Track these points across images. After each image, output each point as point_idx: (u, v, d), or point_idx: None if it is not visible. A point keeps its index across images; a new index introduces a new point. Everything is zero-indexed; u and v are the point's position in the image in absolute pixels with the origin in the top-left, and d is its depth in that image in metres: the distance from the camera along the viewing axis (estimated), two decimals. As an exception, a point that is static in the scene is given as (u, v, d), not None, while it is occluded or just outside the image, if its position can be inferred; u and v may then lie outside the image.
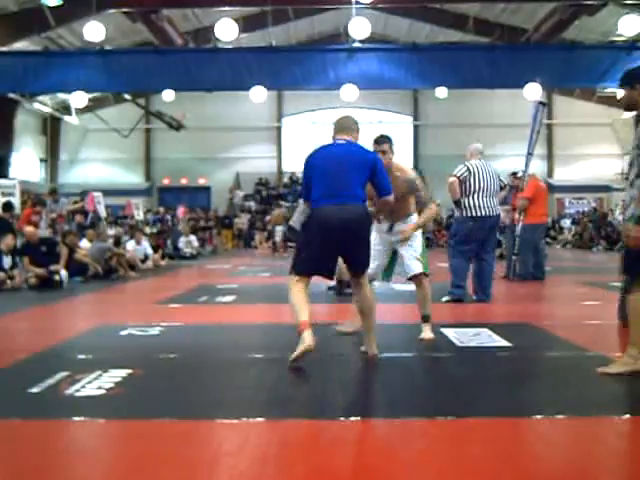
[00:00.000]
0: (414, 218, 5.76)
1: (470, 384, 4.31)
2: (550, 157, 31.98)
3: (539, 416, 3.54)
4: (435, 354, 5.18)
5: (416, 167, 31.88)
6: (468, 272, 8.60)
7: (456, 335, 5.82)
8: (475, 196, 8.25)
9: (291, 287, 4.79)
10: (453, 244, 8.87)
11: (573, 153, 31.46)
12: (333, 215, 4.73)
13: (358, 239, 4.80)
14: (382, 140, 5.83)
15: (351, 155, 4.97)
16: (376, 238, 5.71)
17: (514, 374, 4.63)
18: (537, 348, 5.52)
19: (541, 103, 12.47)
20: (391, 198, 5.02)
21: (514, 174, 12.24)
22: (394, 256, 6.03)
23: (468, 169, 8.33)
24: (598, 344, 5.60)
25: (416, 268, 5.71)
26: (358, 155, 4.97)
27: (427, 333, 5.71)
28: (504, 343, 5.48)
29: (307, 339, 4.51)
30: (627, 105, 4.94)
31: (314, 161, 5.06)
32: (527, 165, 11.62)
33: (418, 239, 5.79)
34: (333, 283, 8.99)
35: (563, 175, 31.60)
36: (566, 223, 29.54)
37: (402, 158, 31.49)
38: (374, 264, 5.49)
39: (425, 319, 5.75)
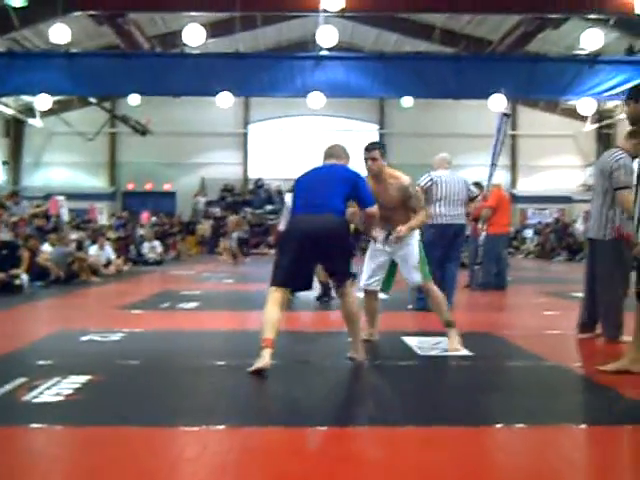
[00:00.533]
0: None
1: (431, 393, 4.34)
2: (514, 168, 32.28)
3: (499, 425, 3.58)
4: (396, 362, 5.20)
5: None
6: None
7: (418, 344, 5.86)
8: (437, 204, 8.31)
9: (267, 297, 4.84)
10: None
11: (536, 164, 31.80)
12: (306, 224, 4.87)
13: (331, 248, 4.84)
14: (372, 147, 5.83)
15: (333, 172, 5.11)
16: (373, 254, 5.80)
17: (475, 383, 4.67)
18: (498, 357, 5.57)
19: (505, 114, 12.65)
20: (374, 209, 5.08)
21: (477, 184, 12.39)
22: (393, 268, 5.98)
23: (432, 179, 8.39)
24: (558, 354, 5.67)
25: (416, 278, 5.68)
26: (339, 172, 5.10)
27: (452, 343, 5.54)
28: (465, 352, 5.52)
29: (265, 358, 4.56)
30: (633, 119, 5.25)
31: (300, 179, 5.25)
32: (491, 175, 11.77)
33: (414, 247, 5.69)
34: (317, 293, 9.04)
35: (526, 186, 31.92)
36: (529, 233, 29.82)
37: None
38: (373, 279, 5.81)
39: (447, 325, 5.63)
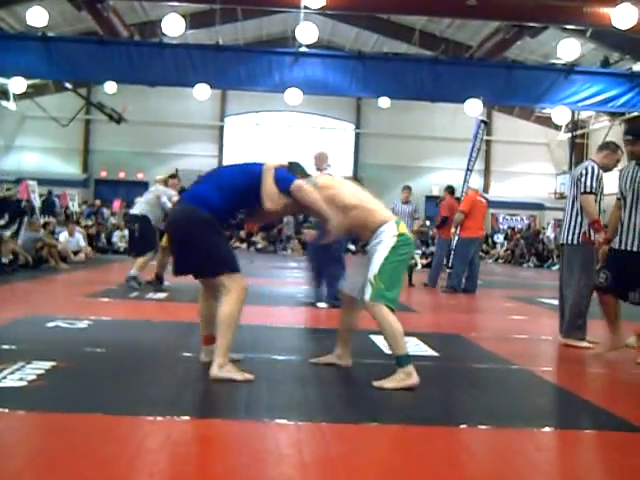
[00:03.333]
0: (384, 232, 4.47)
1: (397, 392, 4.35)
2: (487, 173, 32.54)
3: (463, 425, 3.61)
4: (362, 360, 5.22)
5: (356, 175, 32.11)
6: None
7: (384, 342, 5.88)
8: None
9: None
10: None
11: (510, 170, 32.09)
12: (170, 216, 4.98)
13: (177, 240, 4.55)
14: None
15: (239, 166, 4.92)
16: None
17: (440, 383, 4.70)
18: (464, 359, 5.62)
19: (483, 121, 12.82)
20: (267, 207, 4.51)
21: (449, 187, 12.61)
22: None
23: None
24: (523, 358, 5.72)
25: (364, 293, 4.46)
26: (245, 166, 4.81)
27: (390, 382, 4.35)
28: (431, 353, 5.56)
29: (201, 355, 4.74)
30: (638, 157, 5.79)
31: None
32: (466, 180, 11.93)
33: (379, 255, 4.44)
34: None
35: (499, 191, 32.18)
36: (499, 238, 30.07)
37: (342, 166, 31.72)
38: (350, 283, 4.96)
39: (398, 362, 4.42)
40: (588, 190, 6.23)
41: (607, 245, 6.02)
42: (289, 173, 4.62)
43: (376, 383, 4.32)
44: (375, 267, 4.41)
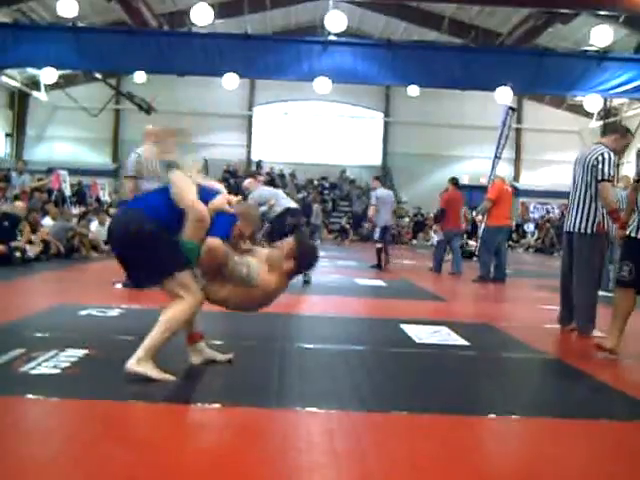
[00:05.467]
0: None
1: (426, 380, 4.35)
2: (517, 161, 32.28)
3: (492, 415, 3.60)
4: (392, 349, 5.21)
5: (384, 164, 32.03)
6: None
7: (415, 331, 5.87)
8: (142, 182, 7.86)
9: None
10: None
11: (540, 158, 31.80)
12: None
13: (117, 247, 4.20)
14: None
15: None
16: None
17: (471, 373, 4.68)
18: (494, 348, 5.58)
19: (511, 108, 12.76)
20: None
21: (453, 179, 12.85)
22: None
23: (137, 155, 7.87)
24: (554, 347, 5.69)
25: None
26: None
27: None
28: (462, 342, 5.54)
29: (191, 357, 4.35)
30: None
31: None
32: (494, 168, 11.86)
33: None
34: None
35: (529, 180, 31.92)
36: (529, 227, 29.87)
37: (370, 155, 31.63)
38: None
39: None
40: (606, 177, 6.04)
41: (623, 231, 5.55)
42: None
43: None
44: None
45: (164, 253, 3.99)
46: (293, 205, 9.52)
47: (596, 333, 6.19)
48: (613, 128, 6.40)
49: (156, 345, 3.94)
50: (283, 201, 9.48)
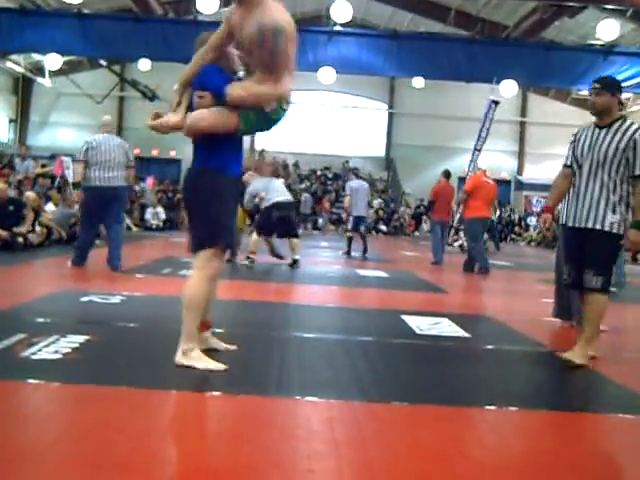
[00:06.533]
0: None
1: (426, 371, 4.35)
2: (521, 154, 32.24)
3: (492, 407, 3.60)
4: (393, 340, 5.21)
5: (388, 155, 31.98)
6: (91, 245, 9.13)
7: (416, 322, 5.87)
8: (92, 169, 8.59)
9: None
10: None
11: (544, 152, 31.74)
12: None
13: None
14: None
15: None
16: None
17: (471, 364, 4.68)
18: (495, 341, 5.57)
19: (494, 102, 12.71)
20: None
21: (445, 172, 13.03)
22: None
23: (87, 143, 8.75)
24: (554, 340, 5.69)
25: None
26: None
27: None
28: (463, 334, 5.54)
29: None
30: (601, 110, 4.88)
31: None
32: (473, 160, 11.78)
33: None
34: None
35: (533, 173, 31.87)
36: (532, 221, 29.84)
37: (375, 146, 31.56)
38: None
39: None
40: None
41: (550, 215, 5.12)
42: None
43: None
44: None
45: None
46: (282, 198, 10.00)
47: (601, 327, 6.20)
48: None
49: (190, 330, 3.94)
50: (274, 194, 10.04)
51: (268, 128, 4.11)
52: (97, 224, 9.14)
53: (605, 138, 4.76)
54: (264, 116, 3.95)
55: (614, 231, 4.69)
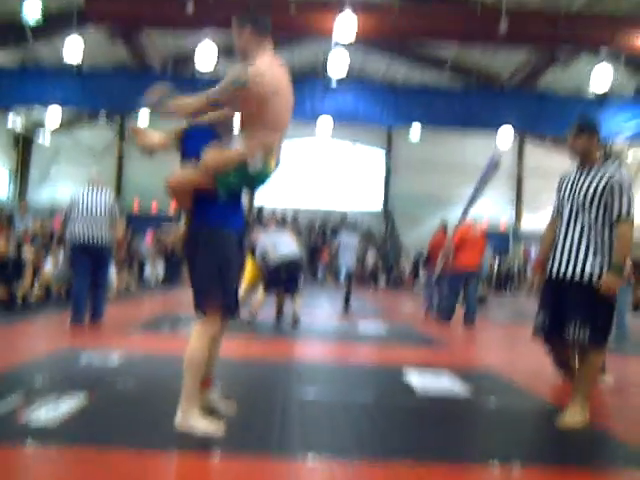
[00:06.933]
0: None
1: (428, 430, 4.29)
2: (519, 203, 32.33)
3: (497, 462, 3.55)
4: (395, 399, 5.16)
5: (386, 208, 32.13)
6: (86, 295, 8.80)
7: (417, 379, 5.82)
8: (74, 224, 8.59)
9: None
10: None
11: (542, 202, 31.82)
12: None
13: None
14: None
15: None
16: None
17: (472, 422, 4.64)
18: (496, 397, 5.49)
19: (495, 164, 12.32)
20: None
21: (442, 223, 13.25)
22: None
23: (70, 197, 8.84)
24: (557, 396, 5.63)
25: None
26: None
27: None
28: (464, 389, 5.48)
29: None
30: (580, 152, 4.65)
31: None
32: (465, 212, 11.50)
33: None
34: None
35: (531, 223, 31.90)
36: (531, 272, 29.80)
37: (372, 196, 31.65)
38: None
39: None
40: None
41: (541, 272, 4.90)
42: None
43: None
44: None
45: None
46: (291, 254, 9.78)
47: (607, 379, 6.15)
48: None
49: (190, 391, 3.87)
50: (282, 247, 9.75)
51: (254, 187, 4.12)
52: (88, 271, 8.83)
53: (585, 181, 4.60)
54: (247, 176, 3.93)
55: (594, 281, 4.46)
